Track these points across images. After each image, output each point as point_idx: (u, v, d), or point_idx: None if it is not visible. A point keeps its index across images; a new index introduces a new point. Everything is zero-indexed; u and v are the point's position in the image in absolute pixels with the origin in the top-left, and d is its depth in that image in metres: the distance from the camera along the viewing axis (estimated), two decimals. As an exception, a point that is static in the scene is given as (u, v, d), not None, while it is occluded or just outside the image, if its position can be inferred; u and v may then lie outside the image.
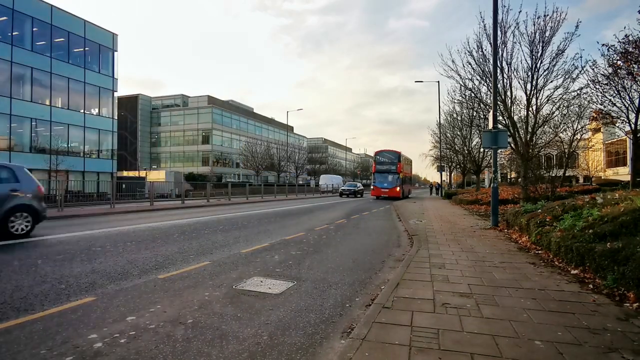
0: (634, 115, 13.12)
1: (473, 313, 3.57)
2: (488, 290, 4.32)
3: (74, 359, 2.75)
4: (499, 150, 11.73)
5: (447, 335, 3.04)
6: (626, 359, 2.64)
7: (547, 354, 2.73)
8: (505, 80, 13.96)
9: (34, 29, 28.47)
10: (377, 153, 33.15)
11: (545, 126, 16.74)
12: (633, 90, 12.93)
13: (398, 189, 30.59)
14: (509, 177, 40.66)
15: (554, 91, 13.88)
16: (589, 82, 13.63)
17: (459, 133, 28.75)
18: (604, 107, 14.20)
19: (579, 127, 21.29)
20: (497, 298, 4.03)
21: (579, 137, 23.04)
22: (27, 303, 3.94)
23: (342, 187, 40.05)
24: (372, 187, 32.62)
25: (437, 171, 38.66)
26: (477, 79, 15.04)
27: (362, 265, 6.09)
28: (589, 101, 15.36)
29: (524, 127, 14.33)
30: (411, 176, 44.57)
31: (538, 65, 13.42)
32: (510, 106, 14.17)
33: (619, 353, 2.72)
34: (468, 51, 14.64)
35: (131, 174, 44.82)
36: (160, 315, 3.64)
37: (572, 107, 17.25)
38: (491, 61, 12.60)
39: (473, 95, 16.72)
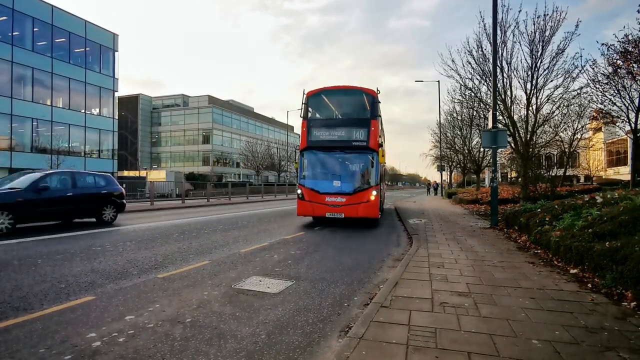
0: (634, 114, 13.10)
1: (471, 312, 3.58)
2: (486, 290, 4.32)
3: (72, 358, 2.76)
4: (499, 150, 11.72)
5: (444, 335, 3.05)
6: (623, 358, 2.65)
7: (545, 353, 2.73)
8: (505, 80, 13.94)
9: (34, 29, 28.51)
10: (312, 95, 11.75)
11: (546, 125, 16.70)
12: (633, 90, 12.91)
13: (374, 194, 10.70)
14: (509, 176, 40.63)
15: (553, 90, 13.86)
16: (589, 82, 13.59)
17: (459, 132, 28.69)
18: (604, 106, 14.17)
19: (579, 126, 21.25)
20: (496, 297, 4.04)
21: (579, 137, 22.99)
22: (27, 302, 3.96)
23: None
24: (297, 189, 11.47)
25: (438, 171, 38.56)
26: (477, 79, 15.00)
27: (361, 265, 6.10)
28: (589, 100, 15.31)
29: (524, 126, 14.30)
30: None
31: (538, 64, 13.40)
32: (510, 105, 14.15)
33: (616, 352, 2.73)
34: (468, 51, 14.61)
35: (132, 173, 44.89)
36: (159, 315, 3.66)
37: (572, 106, 17.21)
38: (491, 60, 12.58)
39: (473, 94, 16.68)
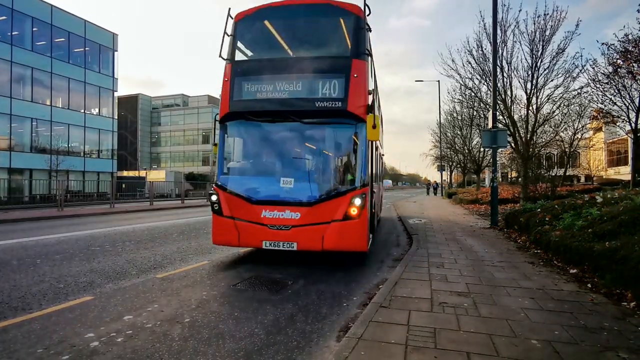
0: (634, 114, 13.10)
1: (470, 312, 3.57)
2: (486, 290, 4.31)
3: (70, 358, 2.75)
4: (499, 150, 11.71)
5: (443, 335, 3.04)
6: (622, 358, 2.64)
7: (544, 353, 2.72)
8: (505, 80, 13.94)
9: (34, 29, 28.47)
10: (244, 19, 6.38)
11: (546, 125, 16.70)
12: (633, 89, 12.91)
13: (357, 204, 5.50)
14: (509, 176, 40.62)
15: (554, 90, 13.88)
16: (590, 81, 13.62)
17: (459, 132, 28.69)
18: (605, 106, 14.19)
19: (580, 126, 21.27)
20: (495, 297, 4.03)
21: (579, 137, 23.00)
22: (25, 302, 3.95)
23: None
24: (212, 197, 5.99)
25: (438, 171, 38.53)
26: (477, 78, 15.02)
27: (361, 265, 6.08)
28: (589, 100, 15.35)
29: (524, 126, 14.30)
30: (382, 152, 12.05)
31: (538, 64, 13.41)
32: (510, 105, 14.15)
33: (615, 352, 2.72)
34: (468, 50, 14.63)
35: (131, 173, 44.89)
36: (157, 315, 3.65)
37: (572, 106, 17.25)
38: (491, 60, 12.56)
39: (473, 94, 16.69)
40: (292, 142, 6.22)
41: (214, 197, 5.94)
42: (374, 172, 7.26)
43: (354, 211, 5.44)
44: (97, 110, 33.88)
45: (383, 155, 13.26)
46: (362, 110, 5.67)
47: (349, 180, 5.79)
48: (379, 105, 10.04)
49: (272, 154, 6.40)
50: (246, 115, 5.98)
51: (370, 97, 6.07)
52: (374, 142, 6.63)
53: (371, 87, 6.31)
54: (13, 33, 27.09)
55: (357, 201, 5.46)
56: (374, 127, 5.58)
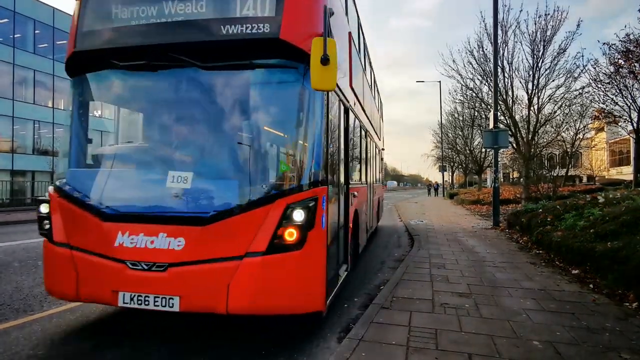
0: (636, 114, 13.08)
1: (472, 313, 3.55)
2: (487, 290, 4.30)
3: (71, 360, 2.76)
4: (500, 150, 11.70)
5: (444, 336, 3.03)
6: (624, 358, 2.63)
7: (545, 354, 2.71)
8: (506, 80, 13.96)
9: (36, 32, 28.62)
10: None
11: (547, 125, 16.69)
12: (635, 89, 12.91)
13: (299, 219, 2.83)
14: (511, 176, 40.53)
15: (555, 90, 13.90)
16: (591, 81, 13.65)
17: (460, 133, 28.70)
18: (606, 106, 14.18)
19: (581, 126, 21.23)
20: (497, 298, 4.01)
21: (581, 137, 22.96)
22: (27, 304, 3.96)
23: None
24: (41, 208, 3.34)
25: (439, 171, 38.48)
26: (478, 79, 15.06)
27: (361, 266, 6.07)
28: (591, 100, 15.35)
29: (526, 126, 14.30)
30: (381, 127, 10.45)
31: (539, 64, 13.43)
32: (512, 106, 14.17)
33: (617, 352, 2.71)
34: (469, 51, 14.66)
35: (133, 175, 44.90)
36: (157, 315, 3.64)
37: (574, 106, 17.22)
38: (492, 60, 12.56)
39: (474, 95, 16.69)
40: (184, 106, 3.60)
41: (43, 208, 3.40)
42: (359, 163, 5.01)
43: (290, 235, 2.87)
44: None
45: (383, 149, 10.93)
46: (302, 39, 3.01)
47: (283, 175, 3.27)
48: (368, 56, 6.58)
49: (147, 128, 3.98)
50: (107, 58, 3.32)
51: (330, 22, 3.07)
52: (347, 106, 4.24)
53: (334, 4, 3.59)
54: (15, 35, 27.23)
55: (298, 215, 2.88)
56: (325, 61, 2.82)
